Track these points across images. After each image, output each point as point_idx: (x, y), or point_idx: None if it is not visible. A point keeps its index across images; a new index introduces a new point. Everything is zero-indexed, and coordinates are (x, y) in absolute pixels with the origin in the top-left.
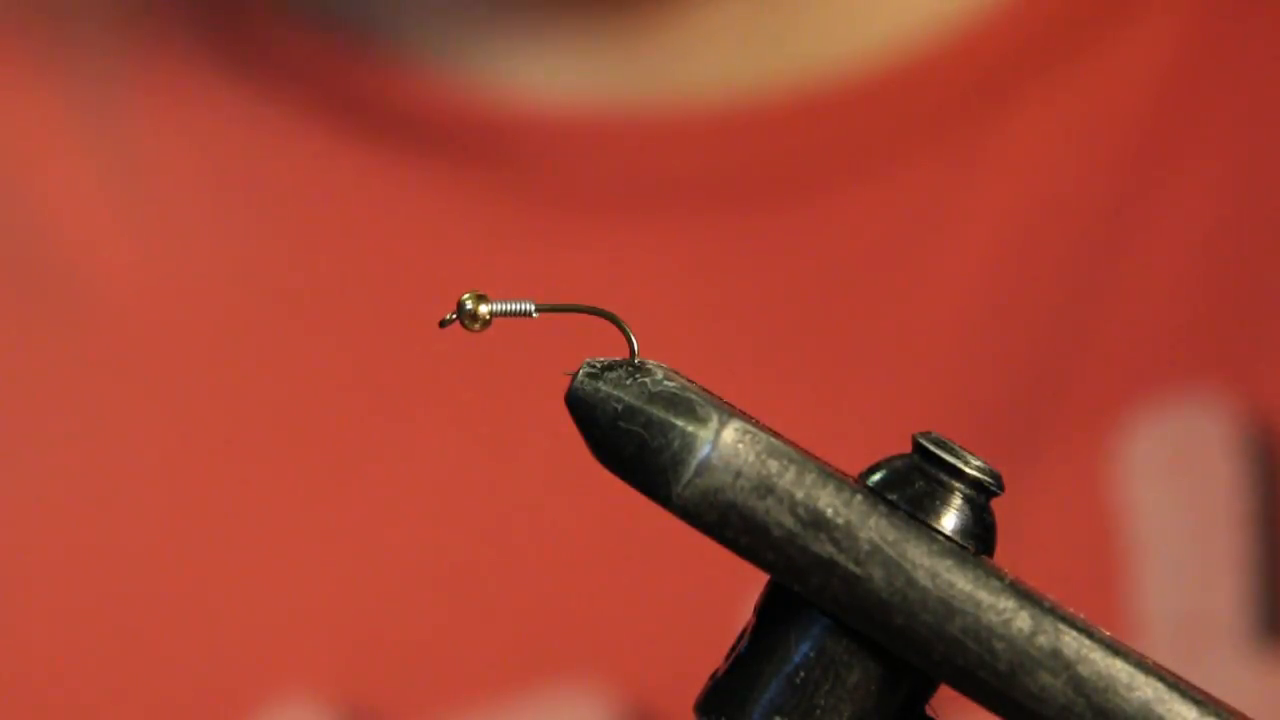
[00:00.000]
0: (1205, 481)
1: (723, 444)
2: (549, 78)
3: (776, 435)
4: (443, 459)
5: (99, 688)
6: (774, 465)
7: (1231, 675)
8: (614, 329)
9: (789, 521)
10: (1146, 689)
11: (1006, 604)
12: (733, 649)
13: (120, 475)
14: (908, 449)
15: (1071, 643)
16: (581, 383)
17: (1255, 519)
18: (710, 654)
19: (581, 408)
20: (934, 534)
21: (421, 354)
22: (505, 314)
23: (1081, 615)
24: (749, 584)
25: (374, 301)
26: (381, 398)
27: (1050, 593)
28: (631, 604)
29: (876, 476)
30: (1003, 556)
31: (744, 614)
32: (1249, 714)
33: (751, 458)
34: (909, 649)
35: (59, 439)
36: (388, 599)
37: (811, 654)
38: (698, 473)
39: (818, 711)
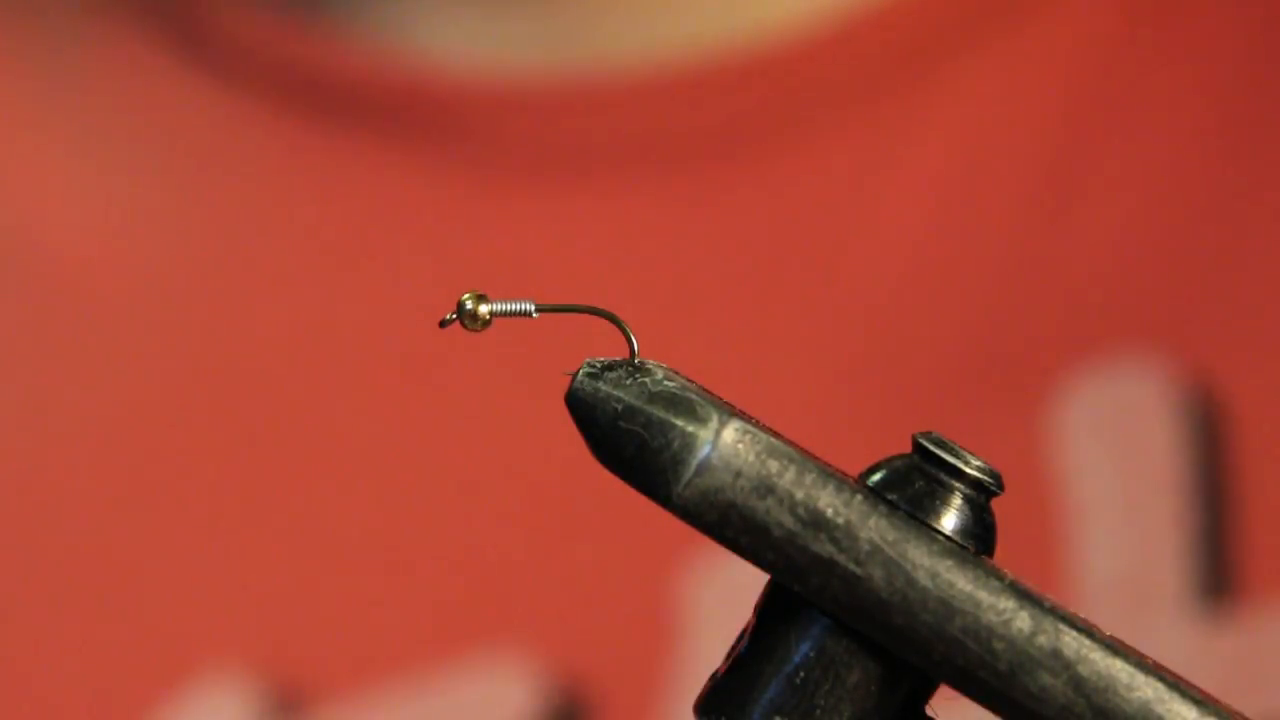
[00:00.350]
0: (1143, 445)
1: (723, 444)
2: (473, 45)
3: (776, 435)
4: (369, 432)
5: (24, 661)
6: (774, 465)
7: (1172, 638)
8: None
9: (789, 521)
10: (1146, 689)
11: (1006, 604)
12: (733, 649)
13: (55, 451)
14: (840, 406)
15: (1071, 643)
16: (581, 383)
17: (1193, 481)
18: (638, 625)
19: (581, 408)
20: (934, 534)
21: (355, 325)
22: (505, 314)
23: (1082, 615)
24: (678, 553)
25: (314, 272)
26: (310, 373)
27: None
28: (559, 575)
29: (876, 476)
30: None
31: (674, 585)
32: (1190, 677)
33: (751, 458)
34: (909, 649)
35: (6, 419)
36: (313, 572)
37: (811, 654)
38: (698, 473)
39: (818, 711)
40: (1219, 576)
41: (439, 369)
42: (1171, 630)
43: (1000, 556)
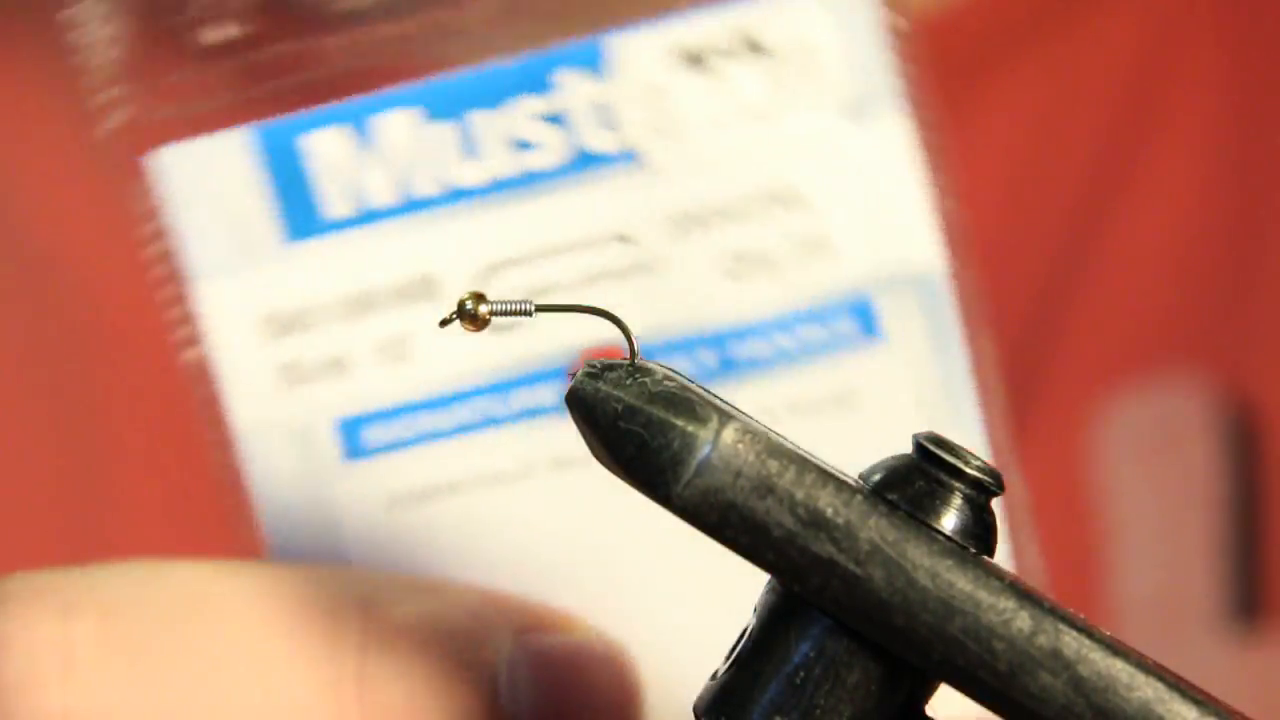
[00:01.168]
0: (1183, 464)
1: (723, 444)
2: None
3: (777, 435)
4: None
5: None
6: (774, 465)
7: (1207, 657)
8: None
9: (789, 521)
10: (1146, 689)
11: (1006, 604)
12: (733, 649)
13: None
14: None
15: (1071, 643)
16: (581, 383)
17: (1232, 501)
18: None
19: (581, 408)
20: (934, 534)
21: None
22: (504, 314)
23: (1082, 615)
24: None
25: None
26: None
27: (1026, 575)
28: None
29: (876, 476)
30: None
31: None
32: (1223, 696)
33: (751, 458)
34: (909, 649)
35: (39, 424)
36: None
37: (811, 654)
38: (698, 473)
39: (818, 711)
40: (1254, 596)
41: None
42: (1205, 649)
43: (1037, 572)
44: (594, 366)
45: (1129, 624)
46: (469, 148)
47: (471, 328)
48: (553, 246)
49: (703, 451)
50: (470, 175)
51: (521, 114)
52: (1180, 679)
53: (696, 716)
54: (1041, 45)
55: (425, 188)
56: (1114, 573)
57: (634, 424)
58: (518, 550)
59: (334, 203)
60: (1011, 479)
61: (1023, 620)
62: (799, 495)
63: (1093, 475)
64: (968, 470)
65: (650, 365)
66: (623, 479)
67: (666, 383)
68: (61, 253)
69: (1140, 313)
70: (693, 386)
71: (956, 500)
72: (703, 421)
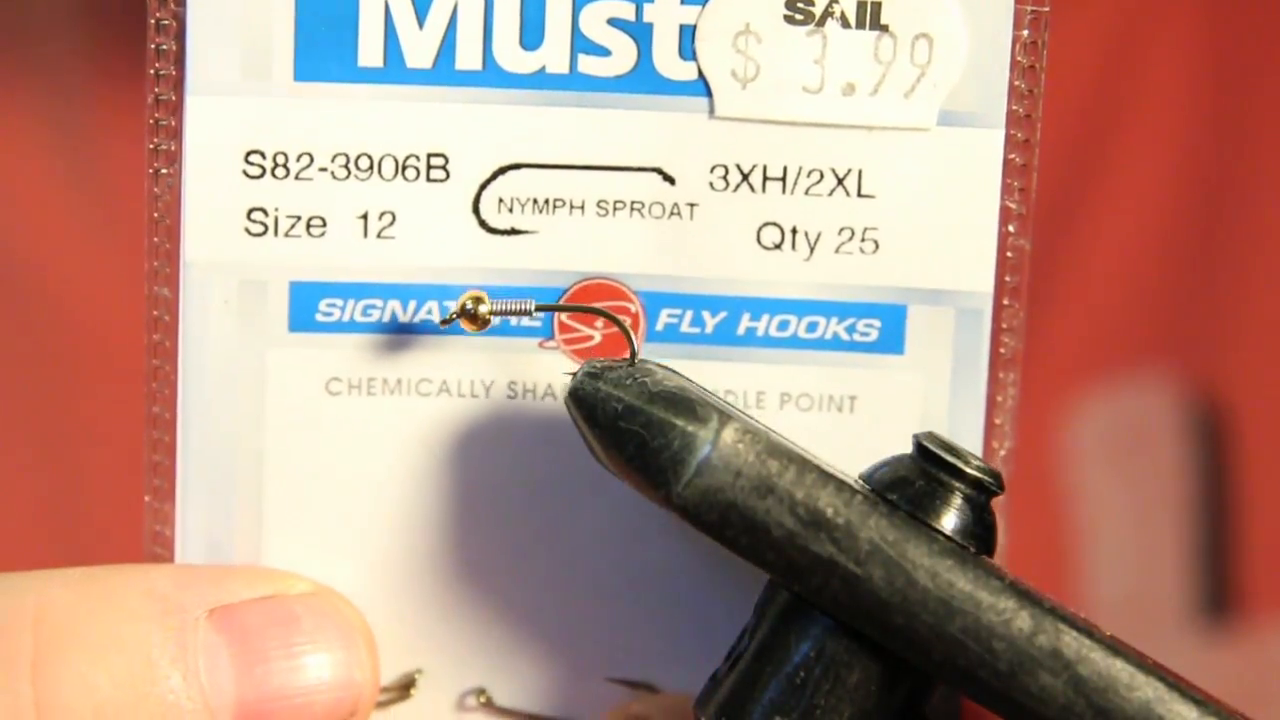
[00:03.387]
0: (1153, 463)
1: (723, 444)
2: None
3: (777, 435)
4: None
5: None
6: (774, 465)
7: (1178, 655)
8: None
9: (789, 521)
10: (1146, 689)
11: (1006, 604)
12: (733, 649)
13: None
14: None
15: (1071, 643)
16: (582, 383)
17: (1201, 500)
18: None
19: (582, 408)
20: (934, 534)
21: None
22: (505, 314)
23: (1082, 615)
24: None
25: None
26: None
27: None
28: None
29: (877, 476)
30: None
31: None
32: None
33: (751, 457)
34: (909, 649)
35: (24, 448)
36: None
37: (811, 654)
38: (698, 472)
39: (818, 711)
40: (1224, 593)
41: None
42: (1176, 645)
43: (1010, 571)
44: (594, 366)
45: (1100, 621)
46: (532, 32)
47: (472, 327)
48: (584, 159)
49: (703, 451)
50: (521, 62)
51: (601, 13)
52: (1180, 679)
53: (696, 716)
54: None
55: (468, 61)
56: (1085, 572)
57: (634, 424)
58: (451, 478)
59: (363, 50)
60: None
61: (1023, 620)
62: (799, 495)
63: (1063, 475)
64: (968, 470)
65: (651, 365)
66: (623, 478)
67: (667, 383)
68: (34, 253)
69: (1109, 312)
70: (693, 387)
71: (957, 500)
72: (703, 421)
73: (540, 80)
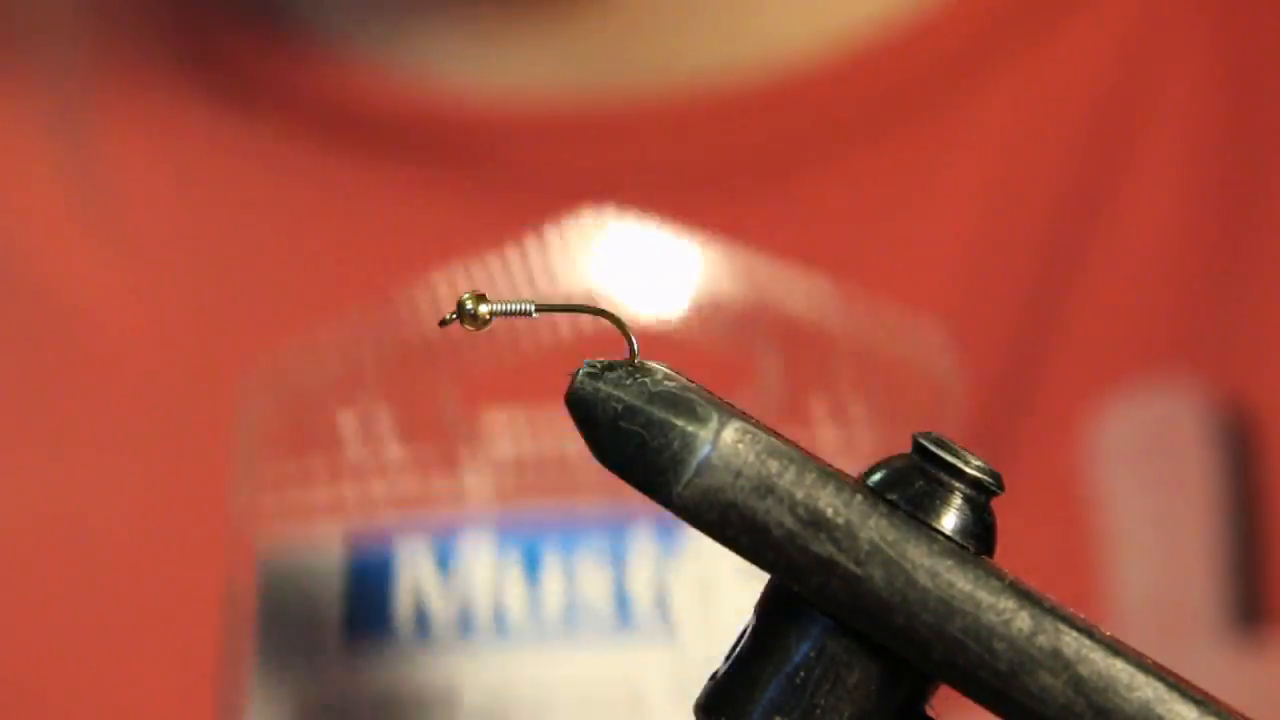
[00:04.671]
0: (1177, 468)
1: (723, 444)
2: (497, 74)
3: (777, 435)
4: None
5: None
6: (774, 465)
7: (1206, 661)
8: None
9: (789, 521)
10: (1147, 689)
11: (1006, 604)
12: (733, 649)
13: (89, 487)
14: (877, 426)
15: (1071, 643)
16: (581, 383)
17: (1228, 504)
18: None
19: (581, 408)
20: (934, 534)
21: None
22: (505, 314)
23: (1082, 615)
24: None
25: (338, 301)
26: None
27: (1024, 580)
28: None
29: (876, 476)
30: None
31: None
32: (1224, 700)
33: (751, 457)
34: (909, 649)
35: (28, 455)
36: None
37: (811, 654)
38: (698, 473)
39: (818, 711)
40: (1253, 601)
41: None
42: (1205, 655)
43: (1035, 578)
44: (594, 366)
45: (1127, 630)
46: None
47: (471, 327)
48: None
49: (703, 451)
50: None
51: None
52: (1180, 679)
53: (697, 716)
54: (1025, 47)
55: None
56: (1112, 578)
57: (634, 424)
58: None
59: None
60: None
61: (1023, 620)
62: (799, 495)
63: (1088, 480)
64: (968, 470)
65: (650, 365)
66: (623, 479)
67: (667, 383)
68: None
69: (1132, 316)
70: (693, 387)
71: (956, 500)
72: (703, 421)
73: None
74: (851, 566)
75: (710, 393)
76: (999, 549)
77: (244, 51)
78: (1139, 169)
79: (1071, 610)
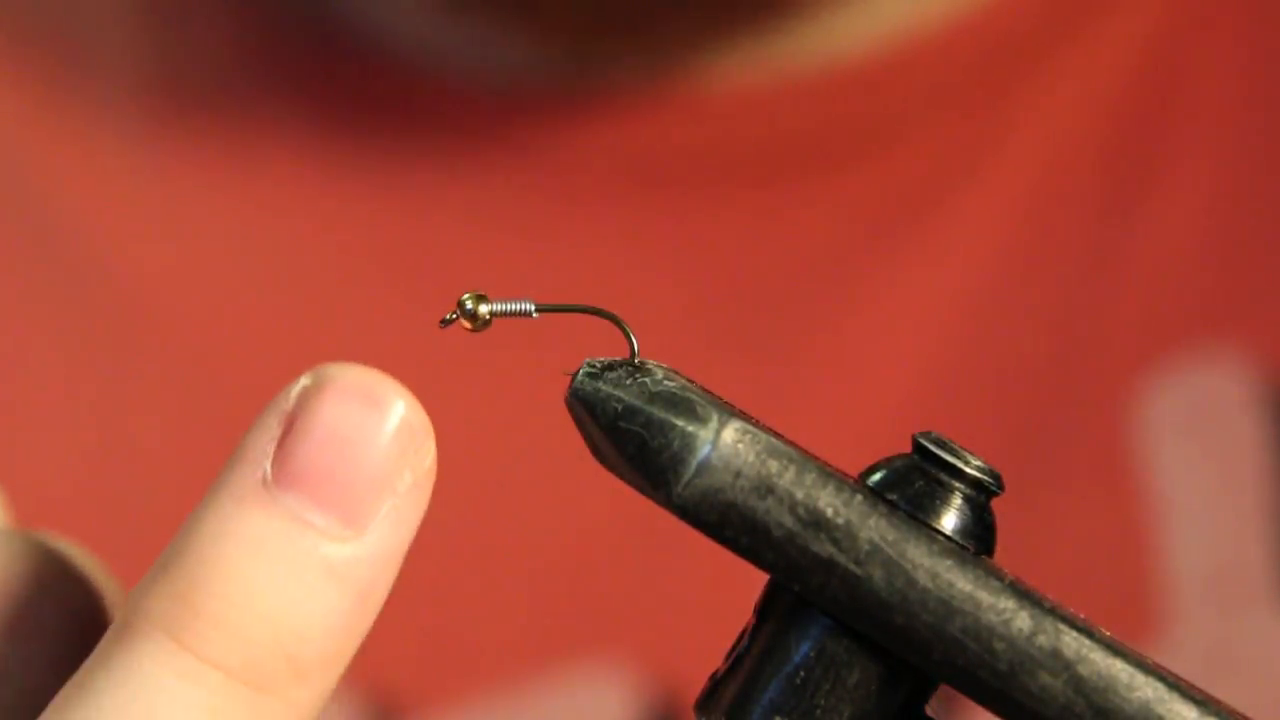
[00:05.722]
0: (1228, 439)
1: (723, 444)
2: (552, 62)
3: (776, 435)
4: (454, 450)
5: None
6: (774, 465)
7: (1262, 631)
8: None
9: (789, 521)
10: (1147, 689)
11: (1006, 604)
12: (733, 649)
13: (143, 468)
14: (927, 409)
15: (1071, 643)
16: (581, 383)
17: (1279, 475)
18: (731, 629)
19: (581, 408)
20: (934, 534)
21: (430, 347)
22: (505, 314)
23: (1082, 615)
24: None
25: (382, 293)
26: None
27: (1079, 557)
28: (652, 584)
29: (876, 476)
30: (1030, 520)
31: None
32: None
33: (751, 458)
34: (909, 649)
35: (92, 433)
36: (408, 589)
37: (811, 654)
38: (698, 473)
39: (818, 711)
40: None
41: (511, 392)
42: (1262, 623)
43: (1089, 554)
44: (594, 366)
45: (1184, 601)
46: None
47: (471, 326)
48: None
49: (703, 451)
50: None
51: None
52: (1180, 679)
53: (697, 715)
54: (1074, 34)
55: None
56: (1168, 553)
57: (634, 424)
58: None
59: None
60: None
61: (1023, 620)
62: (799, 495)
63: (1140, 457)
64: (968, 470)
65: (650, 365)
66: (622, 479)
67: (667, 383)
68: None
69: (1183, 289)
70: (693, 386)
71: (956, 500)
72: (703, 421)
73: None
74: (851, 566)
75: (710, 393)
76: (1057, 528)
77: (292, 46)
78: (1184, 147)
79: (1071, 610)
